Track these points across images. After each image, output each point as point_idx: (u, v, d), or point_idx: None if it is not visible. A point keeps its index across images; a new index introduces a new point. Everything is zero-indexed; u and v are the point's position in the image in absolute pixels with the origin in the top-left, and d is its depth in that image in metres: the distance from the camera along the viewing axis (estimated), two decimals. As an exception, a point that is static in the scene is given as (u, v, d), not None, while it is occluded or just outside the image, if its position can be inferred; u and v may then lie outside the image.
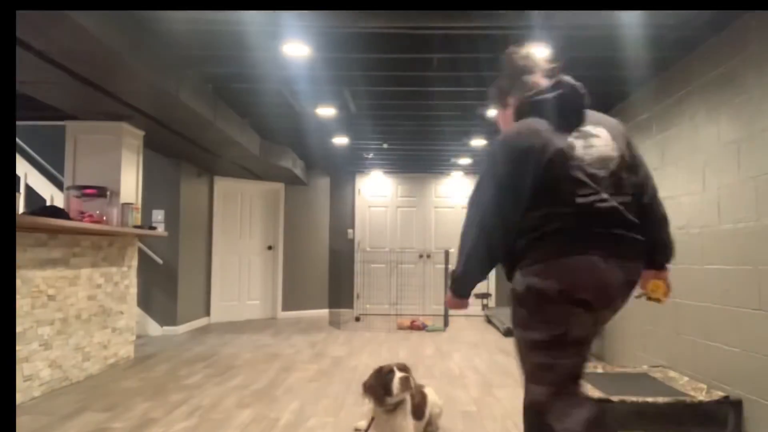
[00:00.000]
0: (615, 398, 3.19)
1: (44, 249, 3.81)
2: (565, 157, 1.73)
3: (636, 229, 1.77)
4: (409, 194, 9.43)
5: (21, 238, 3.55)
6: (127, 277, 5.02)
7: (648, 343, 4.29)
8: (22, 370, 3.60)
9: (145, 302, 6.51)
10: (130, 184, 5.00)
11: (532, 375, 1.79)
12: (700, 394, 3.28)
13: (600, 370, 4.01)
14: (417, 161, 8.42)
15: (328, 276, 9.16)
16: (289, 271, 8.68)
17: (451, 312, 7.92)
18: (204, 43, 3.76)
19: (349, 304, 9.16)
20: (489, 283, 9.11)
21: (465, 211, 1.82)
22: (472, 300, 1.96)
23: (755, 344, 3.02)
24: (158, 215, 6.63)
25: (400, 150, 7.57)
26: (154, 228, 5.25)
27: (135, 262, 5.15)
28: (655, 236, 1.89)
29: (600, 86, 4.48)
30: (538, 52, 2.20)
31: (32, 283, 3.68)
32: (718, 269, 3.38)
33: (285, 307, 8.61)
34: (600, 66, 4.09)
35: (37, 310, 3.74)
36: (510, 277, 1.85)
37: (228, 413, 3.46)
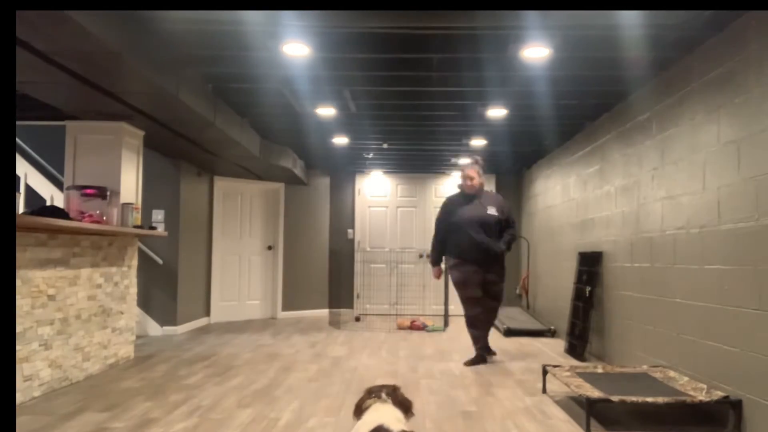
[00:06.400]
0: (615, 398, 3.19)
1: (44, 249, 3.81)
2: None
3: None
4: (409, 194, 9.43)
5: (21, 238, 3.56)
6: (127, 277, 5.02)
7: (648, 343, 4.29)
8: (22, 370, 3.60)
9: (145, 302, 6.51)
10: (130, 184, 5.00)
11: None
12: (700, 394, 3.28)
13: (600, 370, 4.01)
14: (417, 161, 8.42)
15: (328, 276, 9.16)
16: (289, 271, 8.69)
17: (451, 312, 7.93)
18: (204, 43, 3.76)
19: (349, 304, 9.16)
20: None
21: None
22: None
23: (755, 344, 3.02)
24: (158, 215, 6.63)
25: (400, 150, 7.57)
26: (154, 228, 5.25)
27: (135, 262, 5.15)
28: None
29: (600, 86, 4.47)
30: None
31: (32, 283, 3.68)
32: (718, 269, 3.38)
33: (285, 307, 8.62)
34: (600, 66, 4.09)
35: (37, 310, 3.74)
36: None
37: (228, 413, 3.46)
